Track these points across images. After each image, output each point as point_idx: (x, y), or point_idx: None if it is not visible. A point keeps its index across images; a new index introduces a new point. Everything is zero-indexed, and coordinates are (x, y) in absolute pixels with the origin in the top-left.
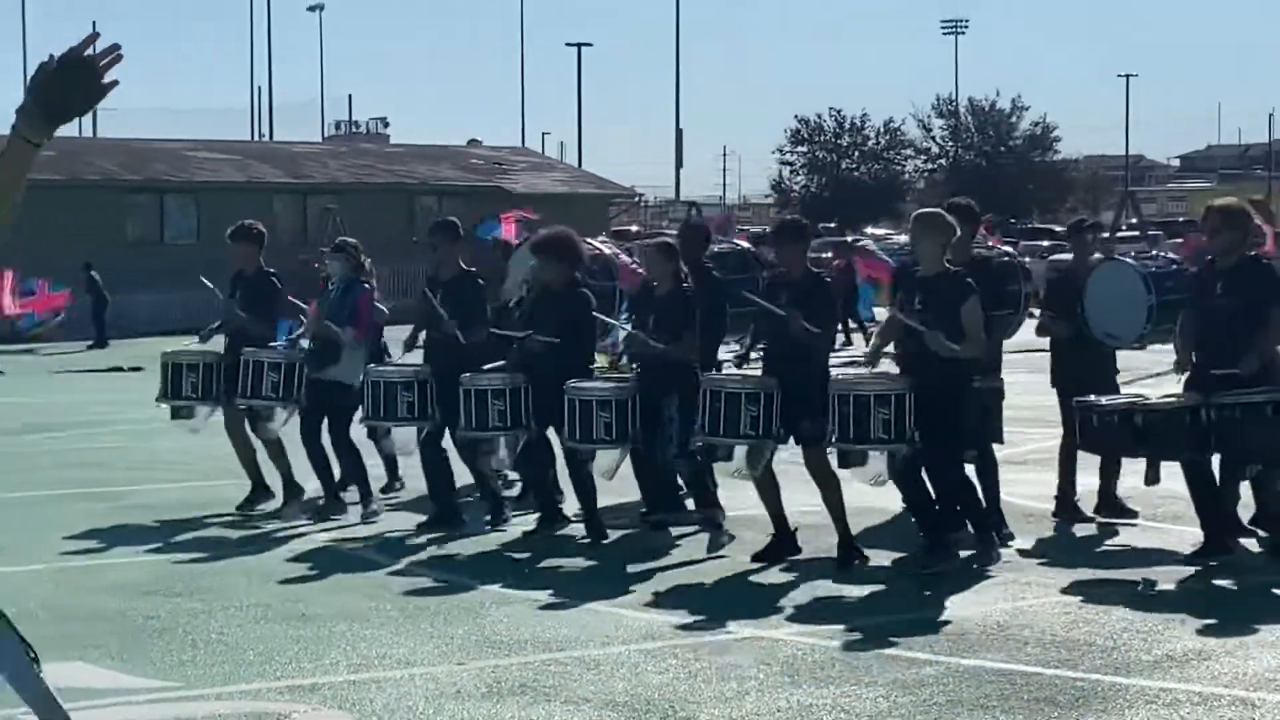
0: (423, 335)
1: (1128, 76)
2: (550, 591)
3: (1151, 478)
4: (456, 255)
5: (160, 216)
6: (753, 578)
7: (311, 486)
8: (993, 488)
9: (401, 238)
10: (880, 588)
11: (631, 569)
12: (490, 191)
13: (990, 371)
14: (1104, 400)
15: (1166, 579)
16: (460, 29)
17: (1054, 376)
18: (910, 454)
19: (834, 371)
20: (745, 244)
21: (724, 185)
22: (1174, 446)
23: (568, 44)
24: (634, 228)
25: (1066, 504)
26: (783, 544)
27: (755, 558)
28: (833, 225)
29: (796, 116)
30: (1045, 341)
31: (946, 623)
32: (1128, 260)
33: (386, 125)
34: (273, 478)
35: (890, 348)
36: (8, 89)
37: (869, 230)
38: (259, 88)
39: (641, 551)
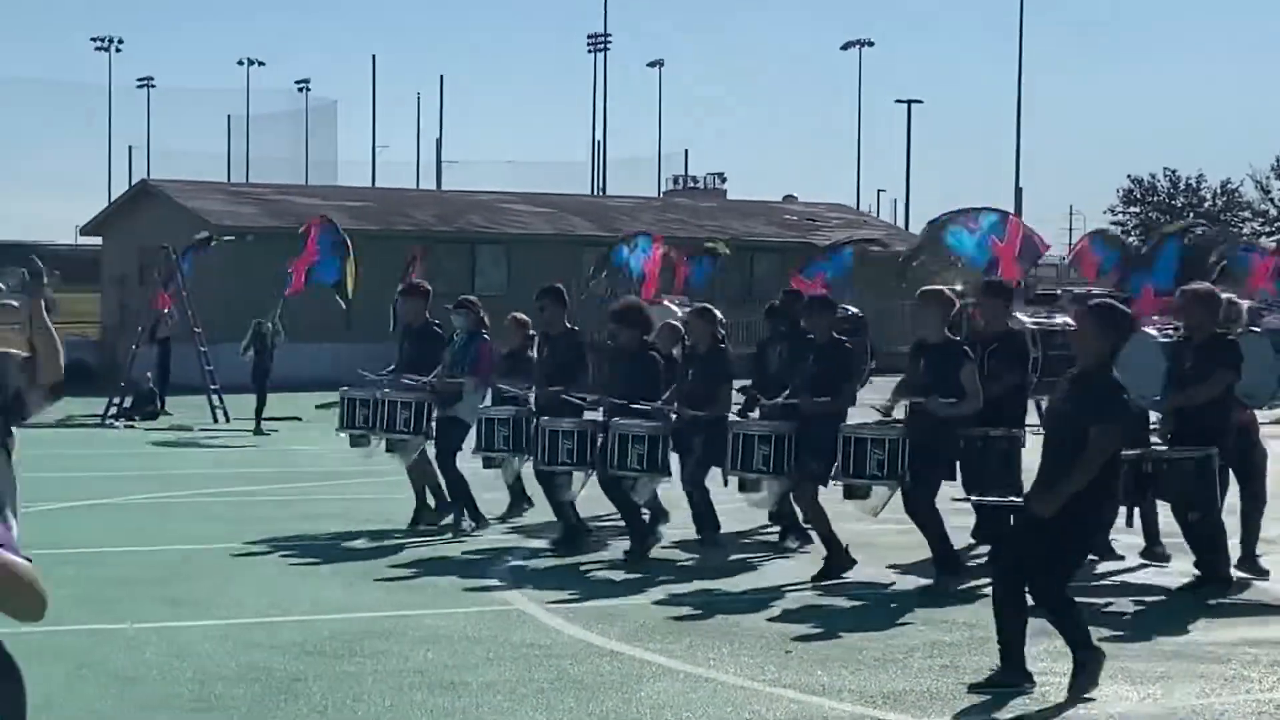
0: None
1: None
2: (713, 666)
3: (1128, 520)
4: (563, 316)
5: (471, 267)
6: (924, 659)
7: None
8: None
9: (710, 291)
10: (1052, 676)
11: (807, 642)
12: (801, 248)
13: (1014, 424)
14: None
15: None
16: (796, 85)
17: None
18: (910, 490)
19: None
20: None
21: (1069, 244)
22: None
23: (898, 100)
24: (959, 285)
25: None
26: (837, 561)
27: (814, 579)
28: None
29: (1129, 176)
30: None
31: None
32: (1150, 331)
33: (724, 180)
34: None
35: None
36: (359, 138)
37: None
38: (598, 142)
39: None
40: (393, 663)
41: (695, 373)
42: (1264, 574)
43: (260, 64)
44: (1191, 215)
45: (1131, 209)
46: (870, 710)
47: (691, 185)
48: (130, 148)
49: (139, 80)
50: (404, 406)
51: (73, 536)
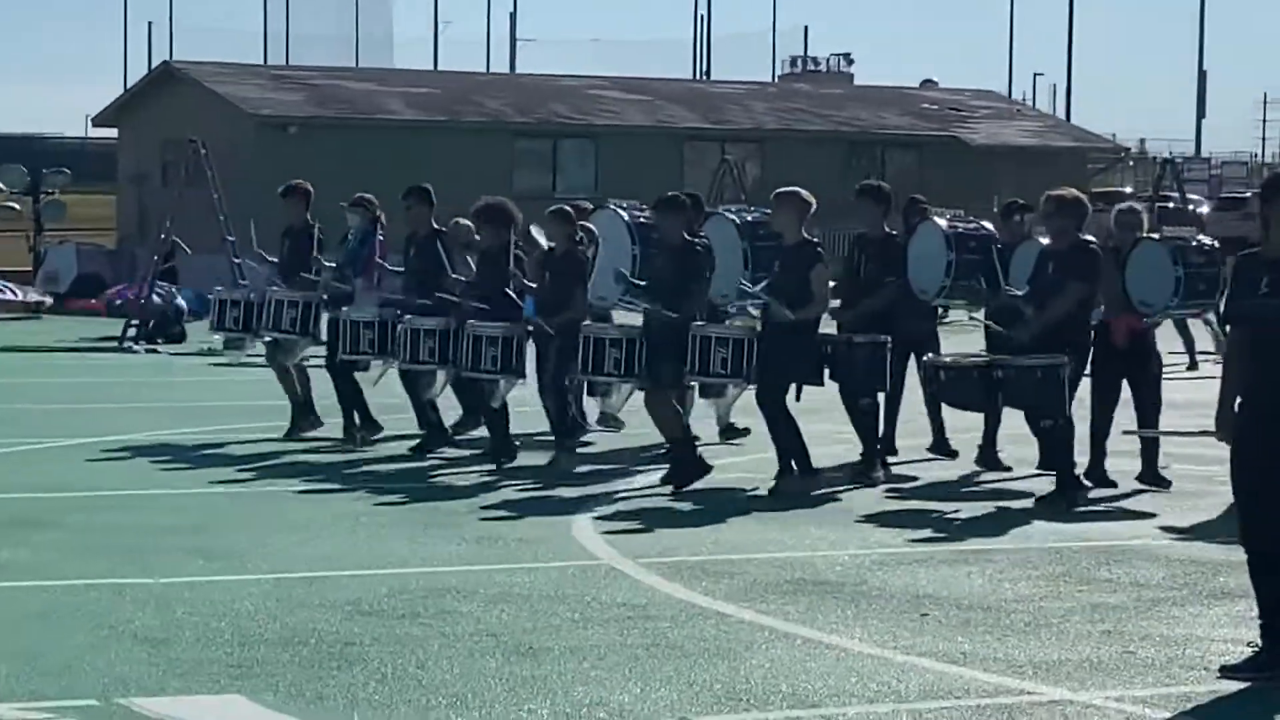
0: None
1: None
2: (835, 630)
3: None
4: (429, 216)
5: (553, 165)
6: (1083, 623)
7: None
8: (873, 430)
9: (834, 194)
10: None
11: (946, 604)
12: (943, 142)
13: (877, 329)
14: (947, 358)
15: None
16: None
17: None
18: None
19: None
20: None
21: (1263, 139)
22: (970, 399)
23: None
24: (1127, 189)
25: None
26: (685, 466)
27: (664, 480)
28: None
29: None
30: None
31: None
32: (1041, 240)
33: (850, 63)
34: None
35: None
36: (417, 13)
37: None
38: (702, 17)
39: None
40: (462, 625)
41: (552, 276)
42: (1166, 484)
43: None
44: None
45: None
46: (1020, 682)
47: (812, 69)
48: (150, 24)
49: None
50: (290, 305)
51: (89, 478)
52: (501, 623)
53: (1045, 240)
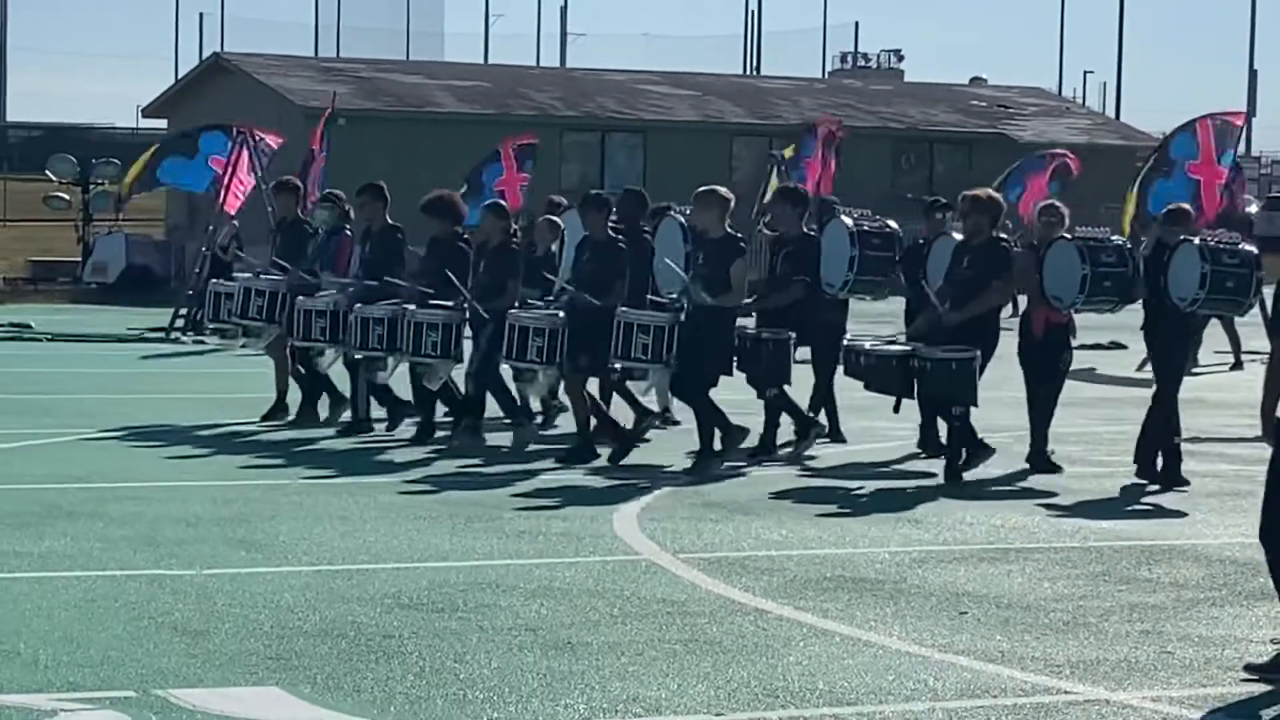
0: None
1: None
2: (874, 628)
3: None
4: (383, 211)
5: (601, 158)
6: (1121, 623)
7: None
8: (781, 414)
9: (884, 190)
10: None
11: (985, 602)
12: (991, 139)
13: (784, 327)
14: (867, 344)
15: None
16: None
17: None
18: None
19: None
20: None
21: None
22: (890, 385)
23: None
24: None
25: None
26: (586, 448)
27: (559, 459)
28: None
29: None
30: None
31: None
32: (955, 235)
33: (900, 59)
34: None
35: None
36: (468, 6)
37: None
38: (752, 13)
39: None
40: (501, 619)
41: (486, 266)
42: (1058, 469)
43: None
44: None
45: None
46: (1057, 682)
47: (862, 65)
48: (201, 15)
49: None
50: (258, 294)
51: (132, 468)
52: (540, 617)
53: (959, 236)
